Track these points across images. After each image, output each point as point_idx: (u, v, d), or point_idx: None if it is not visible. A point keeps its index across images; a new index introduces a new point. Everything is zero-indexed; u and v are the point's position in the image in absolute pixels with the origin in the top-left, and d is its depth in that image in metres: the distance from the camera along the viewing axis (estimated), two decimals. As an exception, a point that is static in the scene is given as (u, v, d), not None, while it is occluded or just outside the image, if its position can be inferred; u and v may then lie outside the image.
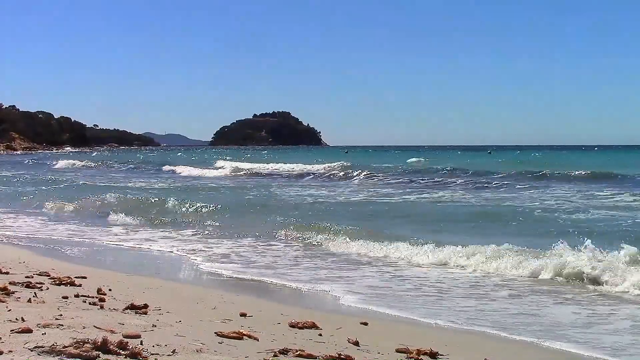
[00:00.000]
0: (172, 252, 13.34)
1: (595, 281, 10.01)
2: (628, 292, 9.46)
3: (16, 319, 5.57)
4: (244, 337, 5.85)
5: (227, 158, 66.24)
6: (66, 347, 4.66)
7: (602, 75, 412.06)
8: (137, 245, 14.14)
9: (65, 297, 7.12)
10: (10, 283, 7.63)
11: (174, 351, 4.98)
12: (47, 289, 7.70)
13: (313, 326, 6.74)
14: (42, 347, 4.67)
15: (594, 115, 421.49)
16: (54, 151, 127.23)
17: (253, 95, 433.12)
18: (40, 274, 8.86)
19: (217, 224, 17.02)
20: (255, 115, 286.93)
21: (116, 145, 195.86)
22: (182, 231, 16.13)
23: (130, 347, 4.81)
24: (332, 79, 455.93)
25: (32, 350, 4.61)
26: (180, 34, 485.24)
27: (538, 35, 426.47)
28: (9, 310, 5.96)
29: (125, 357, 4.68)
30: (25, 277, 8.47)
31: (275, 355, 5.34)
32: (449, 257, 11.92)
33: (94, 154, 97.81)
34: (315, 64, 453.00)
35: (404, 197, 25.56)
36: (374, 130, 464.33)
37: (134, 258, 12.99)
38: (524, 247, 11.92)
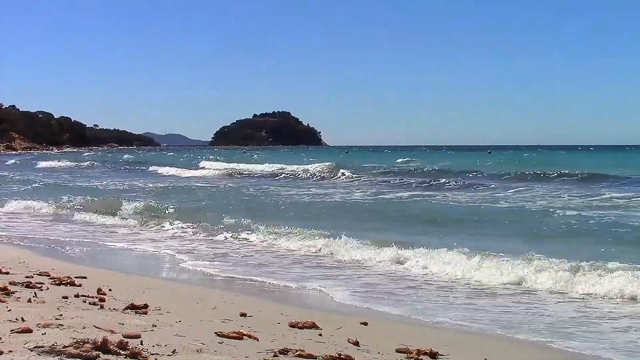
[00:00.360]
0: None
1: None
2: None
3: (16, 319, 5.57)
4: (244, 337, 5.85)
5: (219, 159, 67.18)
6: (66, 347, 4.66)
7: (602, 75, 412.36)
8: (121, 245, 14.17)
9: (65, 297, 7.12)
10: (10, 283, 7.64)
11: (174, 351, 4.98)
12: (47, 289, 7.70)
13: (313, 326, 6.74)
14: (42, 347, 4.67)
15: (593, 115, 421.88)
16: (54, 151, 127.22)
17: (253, 95, 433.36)
18: (40, 274, 8.86)
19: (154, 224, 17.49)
20: (255, 115, 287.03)
21: (116, 145, 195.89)
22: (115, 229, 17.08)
23: (130, 347, 4.81)
24: (332, 79, 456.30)
25: (32, 350, 4.61)
26: (180, 34, 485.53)
27: (538, 35, 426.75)
28: (9, 310, 5.96)
29: (125, 357, 4.68)
30: (25, 277, 8.47)
31: (275, 355, 5.34)
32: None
33: (85, 154, 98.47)
34: (315, 64, 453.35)
35: (372, 196, 25.93)
36: (374, 130, 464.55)
37: (133, 258, 13.00)
38: (471, 247, 12.19)
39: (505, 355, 6.72)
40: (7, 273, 8.76)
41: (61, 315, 5.98)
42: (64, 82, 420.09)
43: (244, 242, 14.62)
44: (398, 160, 62.37)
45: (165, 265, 12.10)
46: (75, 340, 4.84)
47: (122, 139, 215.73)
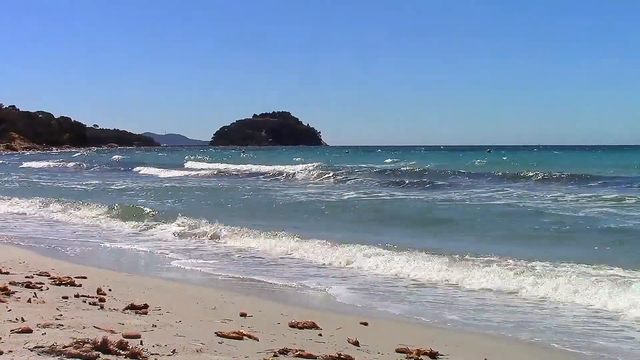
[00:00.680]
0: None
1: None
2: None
3: (16, 319, 5.57)
4: (244, 337, 5.85)
5: (206, 159, 68.26)
6: (66, 347, 4.66)
7: (604, 75, 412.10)
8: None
9: (65, 297, 7.12)
10: (10, 283, 7.64)
11: (174, 351, 4.97)
12: (47, 289, 7.70)
13: (313, 326, 6.74)
14: (42, 347, 4.67)
15: (595, 116, 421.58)
16: (53, 151, 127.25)
17: (253, 95, 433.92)
18: (40, 274, 8.86)
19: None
20: (255, 115, 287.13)
21: (116, 145, 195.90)
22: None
23: (130, 347, 4.81)
24: (333, 79, 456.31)
25: (32, 350, 4.61)
26: (180, 34, 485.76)
27: (538, 35, 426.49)
28: (9, 310, 5.96)
29: (125, 357, 4.67)
30: (25, 277, 8.47)
31: (275, 355, 5.33)
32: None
33: (76, 154, 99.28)
34: (316, 64, 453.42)
35: (332, 196, 26.23)
36: (374, 130, 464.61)
37: (132, 258, 13.00)
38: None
39: (505, 355, 6.72)
40: (7, 273, 8.76)
41: (61, 315, 5.98)
42: (64, 82, 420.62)
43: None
44: (387, 160, 62.84)
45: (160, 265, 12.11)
46: (75, 340, 4.84)
47: (122, 139, 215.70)
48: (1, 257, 10.57)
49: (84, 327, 5.50)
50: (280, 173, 41.73)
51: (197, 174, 44.43)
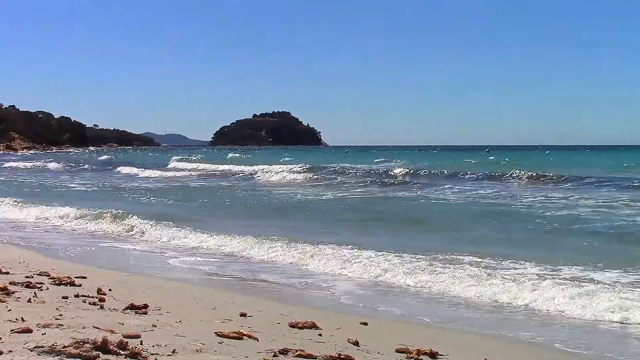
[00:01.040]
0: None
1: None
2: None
3: (16, 319, 5.57)
4: (244, 337, 5.85)
5: (191, 159, 69.43)
6: (66, 347, 4.66)
7: (603, 75, 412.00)
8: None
9: (65, 297, 7.12)
10: (10, 283, 7.64)
11: (174, 351, 4.97)
12: (47, 289, 7.70)
13: (313, 326, 6.74)
14: (42, 347, 4.67)
15: (597, 116, 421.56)
16: (53, 151, 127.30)
17: (253, 95, 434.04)
18: (40, 274, 8.86)
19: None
20: (255, 115, 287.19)
21: (116, 145, 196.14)
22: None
23: (130, 347, 4.81)
24: (333, 79, 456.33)
25: (32, 350, 4.61)
26: (180, 33, 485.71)
27: (538, 35, 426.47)
28: (9, 310, 5.96)
29: (125, 357, 4.67)
30: (25, 277, 8.47)
31: (275, 355, 5.33)
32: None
33: (69, 154, 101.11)
34: (316, 64, 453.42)
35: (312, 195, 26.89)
36: (374, 130, 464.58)
37: (134, 258, 13.00)
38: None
39: (505, 355, 6.72)
40: (7, 273, 8.76)
41: (61, 315, 5.98)
42: (64, 82, 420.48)
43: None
44: (376, 160, 63.52)
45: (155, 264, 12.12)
46: (75, 340, 4.84)
47: (122, 139, 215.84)
48: (1, 257, 10.57)
49: (84, 327, 5.50)
50: (254, 173, 42.33)
51: (175, 175, 45.21)
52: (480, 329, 7.73)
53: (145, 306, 6.85)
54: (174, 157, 72.62)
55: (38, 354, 4.55)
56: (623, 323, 7.88)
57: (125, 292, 8.10)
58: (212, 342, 5.50)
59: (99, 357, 4.61)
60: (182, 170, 50.11)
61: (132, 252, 13.50)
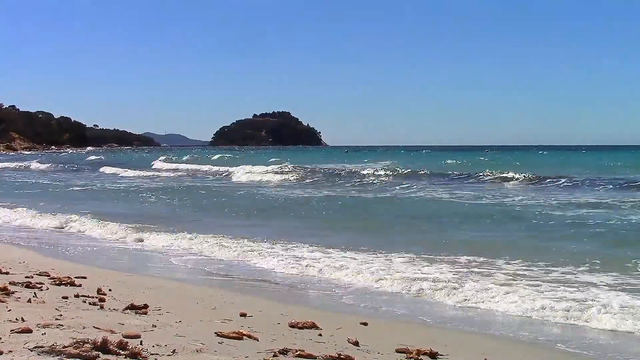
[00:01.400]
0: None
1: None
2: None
3: (16, 319, 5.57)
4: (244, 337, 5.85)
5: (175, 158, 70.66)
6: (66, 347, 4.66)
7: (603, 75, 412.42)
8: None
9: (65, 297, 7.12)
10: (10, 283, 7.64)
11: (174, 351, 4.98)
12: (47, 289, 7.70)
13: (313, 326, 6.74)
14: (42, 347, 4.67)
15: (597, 116, 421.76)
16: (52, 151, 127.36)
17: (253, 95, 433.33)
18: (40, 274, 8.86)
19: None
20: (255, 115, 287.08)
21: (116, 145, 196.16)
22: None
23: (130, 347, 4.81)
24: (332, 79, 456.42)
25: (32, 350, 4.61)
26: (180, 33, 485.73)
27: (538, 35, 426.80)
28: (9, 310, 5.96)
29: (125, 357, 4.67)
30: (25, 277, 8.47)
31: (275, 355, 5.33)
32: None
33: (62, 154, 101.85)
34: (316, 64, 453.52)
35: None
36: (374, 130, 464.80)
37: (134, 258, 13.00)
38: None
39: (505, 355, 6.72)
40: (7, 273, 8.76)
41: (61, 315, 5.98)
42: (64, 82, 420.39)
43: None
44: (365, 160, 64.41)
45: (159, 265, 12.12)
46: (75, 340, 4.84)
47: (122, 139, 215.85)
48: (1, 257, 10.57)
49: (83, 327, 5.50)
50: (229, 173, 43.30)
51: (153, 174, 45.79)
52: (480, 329, 7.73)
53: (145, 306, 6.85)
54: (160, 157, 73.53)
55: (38, 354, 4.55)
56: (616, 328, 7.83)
57: (125, 292, 8.10)
58: (212, 342, 5.50)
59: (99, 357, 4.61)
60: (163, 170, 51.24)
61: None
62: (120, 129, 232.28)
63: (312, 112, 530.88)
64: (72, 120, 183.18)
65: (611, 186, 28.01)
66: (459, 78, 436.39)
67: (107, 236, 15.35)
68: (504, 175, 34.06)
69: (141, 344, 5.03)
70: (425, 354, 6.00)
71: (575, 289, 9.24)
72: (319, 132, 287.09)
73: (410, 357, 5.92)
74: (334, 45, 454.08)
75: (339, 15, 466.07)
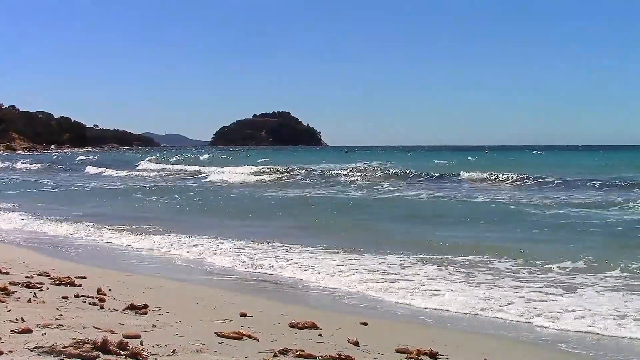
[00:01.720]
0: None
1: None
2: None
3: (16, 319, 5.56)
4: (244, 337, 5.85)
5: (162, 159, 71.66)
6: (66, 347, 4.66)
7: (603, 75, 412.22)
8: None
9: (65, 297, 7.12)
10: (10, 283, 7.64)
11: (174, 351, 4.97)
12: (47, 289, 7.70)
13: (313, 326, 6.74)
14: (42, 347, 4.67)
15: (597, 116, 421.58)
16: (52, 151, 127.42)
17: (253, 95, 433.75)
18: (40, 274, 8.86)
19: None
20: (255, 115, 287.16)
21: (116, 145, 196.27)
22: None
23: (130, 347, 4.81)
24: (332, 79, 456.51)
25: (32, 351, 4.61)
26: (180, 33, 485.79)
27: (538, 35, 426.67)
28: (9, 310, 5.96)
29: (125, 357, 4.67)
30: (25, 277, 8.47)
31: (275, 356, 5.33)
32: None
33: (53, 155, 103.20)
34: (316, 64, 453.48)
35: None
36: (375, 130, 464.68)
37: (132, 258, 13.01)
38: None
39: (505, 355, 6.72)
40: (7, 273, 8.76)
41: (61, 315, 5.97)
42: (64, 82, 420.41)
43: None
44: (357, 161, 64.30)
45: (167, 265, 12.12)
46: (75, 340, 4.84)
47: (122, 139, 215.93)
48: (1, 257, 10.57)
49: (84, 327, 5.50)
50: (209, 173, 43.64)
51: (131, 175, 46.50)
52: (480, 329, 7.73)
53: (145, 306, 6.85)
54: (148, 158, 74.49)
55: (38, 354, 4.55)
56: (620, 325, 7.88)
57: (125, 292, 8.10)
58: (212, 342, 5.50)
59: (99, 357, 4.61)
60: (147, 170, 52.06)
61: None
62: (120, 129, 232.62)
63: (312, 112, 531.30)
64: (72, 120, 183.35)
65: (597, 185, 28.49)
66: (459, 78, 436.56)
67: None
68: (477, 174, 34.67)
69: (141, 344, 5.03)
70: (425, 354, 5.99)
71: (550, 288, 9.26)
72: (319, 132, 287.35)
73: (410, 357, 5.92)
74: (334, 45, 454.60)
75: (339, 15, 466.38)
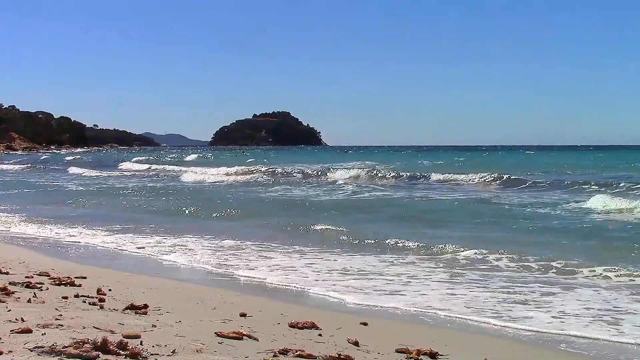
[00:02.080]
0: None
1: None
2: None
3: (16, 319, 5.56)
4: (244, 337, 5.85)
5: (146, 159, 72.83)
6: (66, 347, 4.66)
7: (603, 75, 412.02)
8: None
9: (65, 297, 7.11)
10: (10, 283, 7.63)
11: (174, 351, 4.97)
12: (47, 289, 7.70)
13: (313, 326, 6.73)
14: (42, 347, 4.67)
15: (597, 116, 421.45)
16: (52, 151, 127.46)
17: (253, 95, 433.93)
18: (40, 274, 8.86)
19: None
20: (255, 115, 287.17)
21: (116, 145, 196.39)
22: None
23: (130, 347, 4.81)
24: (332, 79, 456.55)
25: (32, 351, 4.61)
26: (180, 33, 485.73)
27: (538, 35, 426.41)
28: (9, 310, 5.96)
29: (125, 357, 4.67)
30: (25, 277, 8.47)
31: (275, 356, 5.33)
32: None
33: (45, 156, 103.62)
34: (316, 64, 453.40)
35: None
36: (375, 130, 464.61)
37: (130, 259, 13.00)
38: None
39: (505, 355, 6.72)
40: (7, 273, 8.75)
41: (61, 315, 5.97)
42: (64, 82, 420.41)
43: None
44: (353, 161, 65.00)
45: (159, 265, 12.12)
46: (75, 340, 4.83)
47: (122, 139, 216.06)
48: (1, 257, 10.56)
49: (83, 327, 5.50)
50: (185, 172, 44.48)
51: (111, 175, 47.00)
52: (480, 329, 7.73)
53: (145, 306, 6.85)
54: (135, 158, 75.58)
55: (38, 354, 4.55)
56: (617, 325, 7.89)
57: (125, 292, 8.09)
58: (212, 342, 5.50)
59: (99, 357, 4.61)
60: (126, 170, 53.08)
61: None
62: (120, 129, 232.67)
63: (312, 112, 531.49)
64: (72, 120, 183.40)
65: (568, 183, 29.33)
66: (459, 78, 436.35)
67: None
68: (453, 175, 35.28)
69: (141, 344, 5.03)
70: (425, 354, 5.99)
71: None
72: (319, 132, 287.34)
73: (410, 357, 5.92)
74: (334, 45, 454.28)
75: (339, 15, 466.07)
